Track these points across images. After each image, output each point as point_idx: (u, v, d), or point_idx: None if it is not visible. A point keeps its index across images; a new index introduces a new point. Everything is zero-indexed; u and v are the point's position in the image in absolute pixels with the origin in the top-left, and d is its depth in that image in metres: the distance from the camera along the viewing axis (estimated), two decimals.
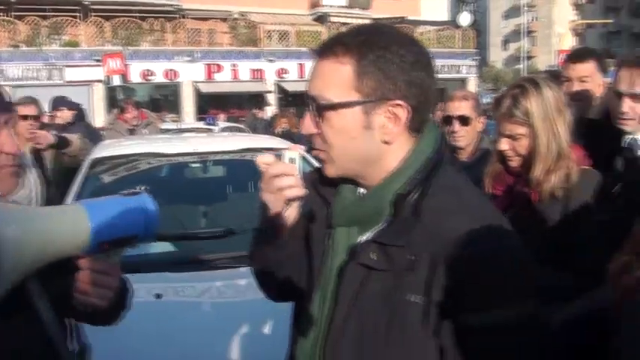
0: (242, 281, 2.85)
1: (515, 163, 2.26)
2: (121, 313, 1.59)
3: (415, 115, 1.25)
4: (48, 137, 4.62)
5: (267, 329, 1.77)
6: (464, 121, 3.39)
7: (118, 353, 1.92)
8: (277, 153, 1.38)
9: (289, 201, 1.32)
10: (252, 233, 1.50)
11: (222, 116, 21.00)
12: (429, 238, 1.20)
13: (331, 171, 1.31)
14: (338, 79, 1.23)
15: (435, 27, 33.56)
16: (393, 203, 1.25)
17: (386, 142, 1.26)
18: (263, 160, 1.32)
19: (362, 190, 1.34)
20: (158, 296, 2.26)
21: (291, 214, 1.36)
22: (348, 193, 1.35)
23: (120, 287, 1.47)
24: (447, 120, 3.46)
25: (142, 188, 1.40)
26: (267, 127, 13.84)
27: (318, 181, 1.40)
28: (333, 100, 1.24)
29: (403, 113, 1.24)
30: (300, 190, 1.30)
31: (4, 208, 1.22)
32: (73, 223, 1.24)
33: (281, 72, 28.80)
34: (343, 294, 1.28)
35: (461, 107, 3.42)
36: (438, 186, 1.25)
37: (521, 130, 2.18)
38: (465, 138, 3.40)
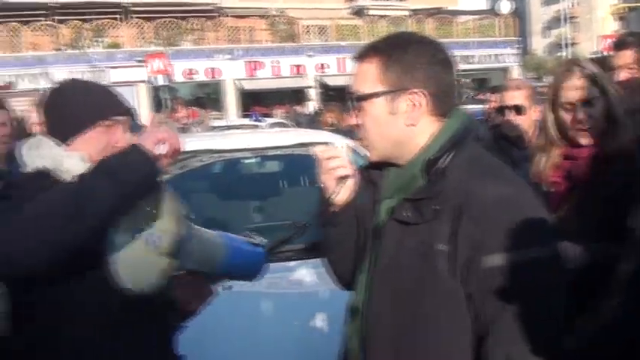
0: (310, 273, 2.92)
1: (586, 138, 2.28)
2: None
3: (435, 101, 1.47)
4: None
5: (335, 321, 1.82)
6: (518, 110, 3.36)
7: (191, 339, 2.01)
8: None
9: (340, 179, 1.58)
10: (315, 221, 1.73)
11: (278, 112, 20.93)
12: (453, 191, 1.39)
13: (373, 156, 1.56)
14: (368, 76, 1.50)
15: (474, 16, 33.16)
16: (424, 169, 1.46)
17: (410, 125, 1.48)
18: (319, 148, 1.61)
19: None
20: (229, 287, 2.34)
21: (344, 193, 1.60)
22: (391, 173, 1.56)
23: None
24: (501, 110, 3.45)
25: (262, 241, 1.85)
26: (310, 122, 13.92)
27: (369, 171, 1.62)
28: (364, 92, 1.50)
29: (422, 100, 1.46)
30: (347, 169, 1.57)
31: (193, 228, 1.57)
32: (216, 255, 1.63)
33: (321, 67, 28.85)
34: (382, 251, 1.48)
35: (514, 97, 3.39)
36: (462, 154, 1.45)
37: (594, 91, 2.25)
38: (520, 128, 3.38)
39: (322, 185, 1.62)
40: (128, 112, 1.83)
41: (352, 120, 1.57)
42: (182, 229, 1.36)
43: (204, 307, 1.87)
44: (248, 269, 1.78)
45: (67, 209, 1.40)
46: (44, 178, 1.64)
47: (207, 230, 1.59)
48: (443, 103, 1.49)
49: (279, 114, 20.24)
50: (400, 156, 1.52)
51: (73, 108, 1.75)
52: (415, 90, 1.46)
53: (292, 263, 3.03)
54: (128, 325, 1.61)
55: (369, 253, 1.54)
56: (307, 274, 2.94)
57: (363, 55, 1.53)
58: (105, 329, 1.62)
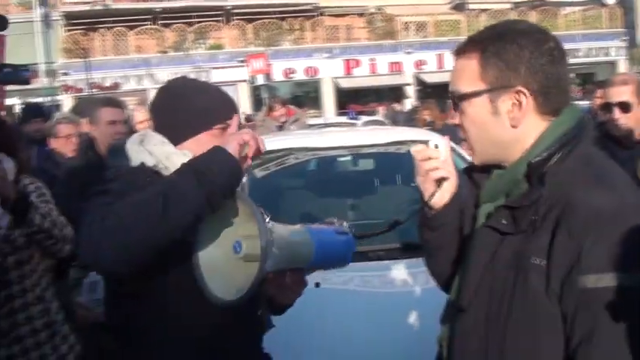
0: (404, 273, 2.89)
1: None
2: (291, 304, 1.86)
3: (542, 99, 1.34)
4: None
5: (428, 322, 1.77)
6: (625, 107, 3.19)
7: (281, 334, 2.03)
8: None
9: (438, 182, 1.47)
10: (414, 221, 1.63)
11: (380, 109, 20.66)
12: (555, 201, 1.26)
13: (476, 160, 1.46)
14: (467, 73, 1.38)
15: (578, 7, 31.70)
16: (526, 173, 1.33)
17: (514, 127, 1.35)
18: (414, 149, 1.50)
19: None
20: (317, 285, 2.34)
21: (441, 196, 1.49)
22: (495, 175, 1.45)
23: None
24: (607, 107, 3.28)
25: (345, 225, 1.73)
26: (407, 120, 13.80)
27: (473, 171, 1.51)
28: (464, 91, 1.39)
29: (526, 99, 1.33)
30: (444, 172, 1.46)
31: (276, 228, 1.49)
32: (304, 252, 1.57)
33: (419, 64, 28.53)
34: (474, 258, 1.38)
35: (621, 93, 3.21)
36: (572, 156, 1.32)
37: None
38: (626, 126, 3.20)
39: (419, 187, 1.51)
40: (237, 112, 1.80)
41: (455, 120, 1.46)
42: (265, 233, 1.34)
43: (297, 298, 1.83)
44: (338, 259, 1.72)
45: (154, 209, 1.39)
46: (147, 173, 1.65)
47: (291, 227, 1.58)
48: (552, 100, 1.35)
49: (380, 112, 20.00)
50: (505, 159, 1.40)
51: (189, 114, 1.71)
52: (519, 87, 1.32)
53: (386, 262, 3.00)
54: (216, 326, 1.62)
55: (464, 260, 1.45)
56: (401, 274, 2.91)
57: (462, 49, 1.42)
58: (192, 330, 1.63)
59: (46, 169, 3.61)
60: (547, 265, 1.23)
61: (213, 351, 1.65)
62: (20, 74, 2.14)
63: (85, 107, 5.36)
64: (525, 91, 1.33)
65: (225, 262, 1.43)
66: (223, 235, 1.48)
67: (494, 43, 1.35)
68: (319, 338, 2.49)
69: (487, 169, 1.46)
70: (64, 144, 4.13)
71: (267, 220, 1.38)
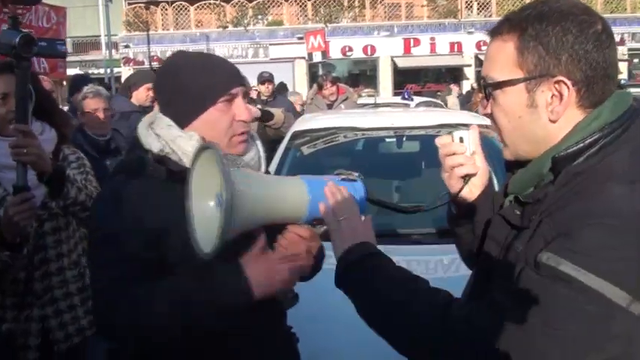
0: (439, 258, 2.85)
1: None
2: (315, 273, 1.76)
3: (586, 90, 1.19)
4: (253, 111, 4.91)
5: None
6: None
7: (305, 310, 2.00)
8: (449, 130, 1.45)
9: (465, 178, 1.38)
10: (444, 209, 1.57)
11: (456, 89, 19.69)
12: (561, 204, 1.14)
13: (507, 153, 1.32)
14: (502, 57, 1.24)
15: None
16: (553, 168, 1.22)
17: (552, 121, 1.22)
18: (439, 141, 1.40)
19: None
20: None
21: (470, 192, 1.41)
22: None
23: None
24: None
25: (358, 175, 1.52)
26: (463, 103, 13.57)
27: (509, 163, 1.40)
28: (497, 78, 1.25)
29: (567, 91, 1.19)
30: (470, 167, 1.37)
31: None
32: (295, 195, 1.41)
33: (481, 44, 27.89)
34: (487, 245, 1.32)
35: None
36: (612, 151, 1.18)
37: None
38: None
39: (445, 183, 1.42)
40: (242, 81, 1.71)
41: (486, 109, 1.32)
42: (228, 183, 1.24)
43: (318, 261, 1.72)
44: None
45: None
46: (159, 160, 1.61)
47: (280, 177, 1.51)
48: (596, 92, 1.20)
49: (455, 91, 18.96)
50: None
51: (189, 93, 1.62)
52: (561, 78, 1.18)
53: (421, 247, 2.96)
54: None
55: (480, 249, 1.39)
56: (437, 259, 2.87)
57: (497, 30, 1.27)
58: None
59: (77, 142, 3.66)
60: (523, 250, 1.16)
61: (234, 330, 1.60)
62: (55, 48, 2.17)
63: (137, 80, 5.45)
64: (567, 81, 1.18)
65: (210, 215, 1.37)
66: (212, 187, 1.39)
67: (533, 25, 1.20)
68: (349, 316, 2.47)
69: (522, 163, 1.33)
70: (90, 118, 4.13)
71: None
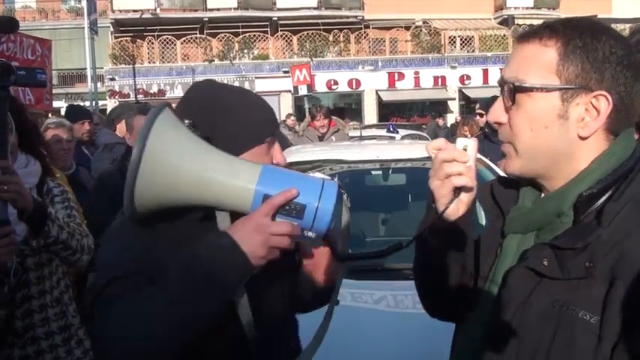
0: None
1: None
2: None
3: (616, 114, 1.14)
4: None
5: (436, 343, 1.71)
6: None
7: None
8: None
9: (457, 191, 1.18)
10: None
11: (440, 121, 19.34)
12: (611, 247, 1.07)
13: (515, 166, 1.22)
14: (539, 62, 1.16)
15: (630, 24, 31.00)
16: (574, 206, 1.15)
17: (582, 138, 1.16)
18: (434, 145, 1.22)
19: (544, 195, 1.24)
20: (336, 302, 2.29)
21: (457, 208, 1.20)
22: (528, 201, 1.25)
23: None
24: None
25: (337, 182, 1.41)
26: (448, 135, 13.66)
27: (496, 191, 1.33)
28: (530, 82, 1.16)
29: (606, 107, 1.13)
30: (467, 179, 1.17)
31: (196, 148, 1.33)
32: (239, 182, 1.32)
33: (464, 78, 28.26)
34: (506, 302, 1.17)
35: None
36: (628, 194, 1.13)
37: None
38: None
39: (432, 191, 1.21)
40: (278, 127, 1.65)
41: (499, 117, 1.22)
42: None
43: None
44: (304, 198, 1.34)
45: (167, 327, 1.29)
46: None
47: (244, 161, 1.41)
48: (621, 118, 1.16)
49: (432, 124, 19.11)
50: (551, 176, 1.20)
51: (241, 126, 1.49)
52: (603, 92, 1.13)
53: (401, 282, 2.93)
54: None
55: (486, 300, 1.24)
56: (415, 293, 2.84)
57: (532, 34, 1.19)
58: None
59: None
60: (600, 323, 1.05)
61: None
62: (35, 77, 2.13)
63: (120, 113, 5.43)
64: (609, 97, 1.13)
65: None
66: None
67: (582, 36, 1.15)
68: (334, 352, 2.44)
69: (517, 185, 1.27)
70: (53, 149, 4.04)
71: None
